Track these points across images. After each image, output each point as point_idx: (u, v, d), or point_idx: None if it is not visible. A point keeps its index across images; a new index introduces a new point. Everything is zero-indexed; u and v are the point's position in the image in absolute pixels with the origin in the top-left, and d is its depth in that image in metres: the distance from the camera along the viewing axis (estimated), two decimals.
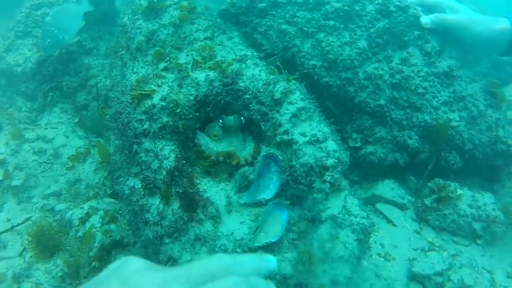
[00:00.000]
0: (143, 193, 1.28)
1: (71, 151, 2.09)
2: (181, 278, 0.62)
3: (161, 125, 1.34)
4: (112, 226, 1.55)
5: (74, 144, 2.15)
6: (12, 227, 1.77)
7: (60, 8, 2.11)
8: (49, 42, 1.96)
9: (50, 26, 1.96)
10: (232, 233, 1.24)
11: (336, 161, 1.33)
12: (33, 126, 2.28)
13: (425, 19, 1.83)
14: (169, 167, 1.28)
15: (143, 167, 1.32)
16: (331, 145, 1.36)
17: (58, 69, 2.37)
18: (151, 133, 1.34)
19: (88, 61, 2.44)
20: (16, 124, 2.24)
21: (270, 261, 0.73)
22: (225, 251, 1.20)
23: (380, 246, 1.67)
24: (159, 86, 1.42)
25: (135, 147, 1.35)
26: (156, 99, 1.37)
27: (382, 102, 1.79)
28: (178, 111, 1.35)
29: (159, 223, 1.24)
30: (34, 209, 1.87)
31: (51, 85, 2.36)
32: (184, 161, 1.30)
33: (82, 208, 1.65)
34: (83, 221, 1.59)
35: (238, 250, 1.21)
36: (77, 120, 2.25)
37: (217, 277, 0.63)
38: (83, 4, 2.27)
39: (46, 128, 2.25)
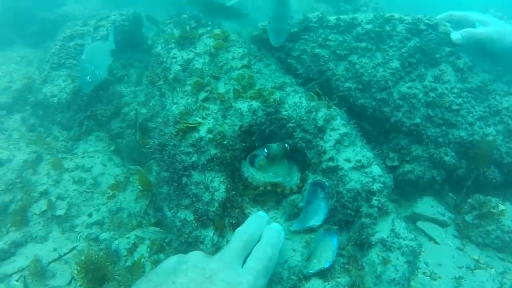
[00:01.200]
0: (196, 225, 1.31)
1: (110, 179, 2.14)
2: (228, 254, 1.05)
3: (210, 157, 1.37)
4: (161, 256, 1.58)
5: (112, 172, 2.20)
6: (60, 257, 1.81)
7: (91, 46, 2.19)
8: (89, 78, 2.04)
9: (86, 63, 2.04)
10: (286, 261, 1.26)
11: (382, 185, 1.35)
12: (70, 155, 2.34)
13: (456, 35, 1.84)
14: (220, 198, 1.31)
15: (194, 199, 1.35)
16: (376, 169, 1.38)
17: (92, 98, 2.44)
18: (200, 166, 1.37)
19: (120, 89, 2.50)
20: (54, 153, 2.31)
21: (263, 216, 1.21)
22: (281, 279, 1.22)
23: (424, 265, 1.66)
24: (204, 118, 1.45)
25: (184, 179, 1.38)
26: (202, 132, 1.40)
27: (417, 120, 1.80)
28: (225, 142, 1.38)
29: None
30: (78, 238, 1.92)
31: (85, 114, 2.43)
32: (234, 192, 1.33)
33: (128, 237, 1.69)
34: (131, 251, 1.63)
35: (293, 277, 1.23)
36: (113, 148, 2.30)
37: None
38: (110, 40, 2.36)
39: (83, 157, 2.30)
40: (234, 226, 1.26)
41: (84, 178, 2.16)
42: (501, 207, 1.73)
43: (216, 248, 1.26)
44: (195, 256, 1.03)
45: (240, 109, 1.46)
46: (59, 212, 2.01)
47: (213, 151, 1.37)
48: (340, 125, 1.44)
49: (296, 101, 1.48)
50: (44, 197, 2.05)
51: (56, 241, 1.92)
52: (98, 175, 2.18)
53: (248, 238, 1.10)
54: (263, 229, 1.16)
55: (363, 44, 1.82)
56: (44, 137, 2.43)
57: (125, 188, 2.05)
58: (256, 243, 1.11)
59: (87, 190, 2.11)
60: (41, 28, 3.40)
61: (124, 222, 1.89)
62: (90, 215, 1.99)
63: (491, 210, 1.73)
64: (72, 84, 2.42)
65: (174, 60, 1.86)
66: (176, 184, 1.41)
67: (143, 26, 2.89)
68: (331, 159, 1.39)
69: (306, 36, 1.86)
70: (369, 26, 1.83)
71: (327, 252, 1.30)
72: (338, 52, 1.82)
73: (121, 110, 2.41)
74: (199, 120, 1.44)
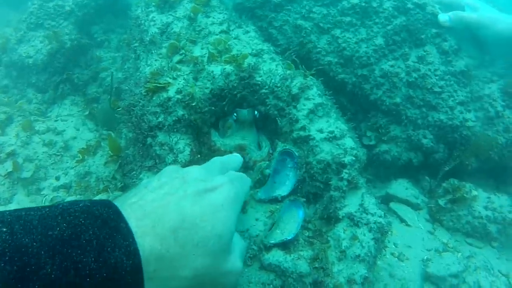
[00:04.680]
0: None
1: (81, 144, 2.08)
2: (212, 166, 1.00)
3: (176, 118, 1.32)
4: None
5: (84, 136, 2.14)
6: None
7: None
8: None
9: None
10: (247, 229, 1.22)
11: (353, 158, 1.31)
12: (43, 118, 2.26)
13: (443, 17, 1.80)
14: (184, 161, 1.26)
15: (157, 161, 1.30)
16: (349, 142, 1.34)
17: (70, 61, 2.36)
18: (166, 126, 1.32)
19: (100, 54, 2.43)
20: (26, 116, 2.23)
21: (238, 156, 1.14)
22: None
23: (393, 246, 1.64)
24: (174, 78, 1.40)
25: (149, 140, 1.33)
26: (171, 92, 1.35)
27: (397, 100, 1.76)
28: (193, 104, 1.33)
29: None
30: (43, 201, 1.86)
31: (62, 77, 2.35)
32: (199, 155, 1.28)
33: None
34: None
35: (254, 247, 1.19)
36: (87, 112, 2.23)
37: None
38: None
39: (56, 120, 2.24)
40: None
41: (55, 141, 2.09)
42: (474, 192, 1.72)
43: None
44: (168, 167, 0.98)
45: (212, 72, 1.41)
46: (26, 174, 1.94)
47: (180, 112, 1.32)
48: (315, 95, 1.39)
49: (272, 68, 1.43)
50: (11, 158, 1.98)
51: (20, 204, 1.86)
52: (69, 139, 2.12)
53: (225, 160, 1.05)
54: (237, 167, 1.09)
55: (348, 19, 1.77)
56: (17, 99, 2.35)
57: (95, 152, 1.99)
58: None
59: (57, 153, 2.05)
60: None
61: (91, 186, 1.84)
62: (57, 178, 1.93)
63: (464, 195, 1.71)
64: (49, 46, 2.33)
65: (152, 23, 1.79)
66: (141, 145, 1.36)
67: None
68: (303, 128, 1.34)
69: (290, 7, 1.80)
70: (355, 1, 1.77)
71: (291, 223, 1.26)
72: (321, 25, 1.76)
73: (98, 75, 2.34)
74: (169, 80, 1.38)
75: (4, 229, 0.60)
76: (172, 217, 0.76)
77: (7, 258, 0.56)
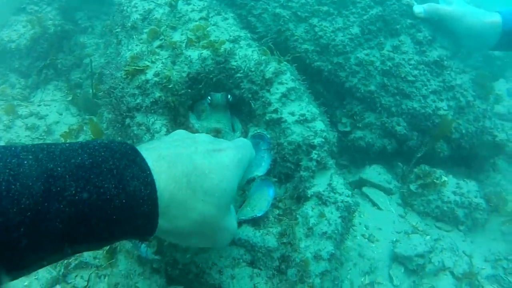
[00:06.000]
0: None
1: (64, 128, 2.11)
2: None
3: (154, 100, 1.36)
4: None
5: (67, 121, 2.17)
6: None
7: None
8: None
9: None
10: None
11: (323, 140, 1.36)
12: (26, 102, 2.29)
13: (418, 8, 1.85)
14: None
15: (135, 140, 1.34)
16: (319, 125, 1.39)
17: (53, 46, 2.38)
18: (144, 107, 1.36)
19: (83, 40, 2.45)
20: (9, 100, 2.25)
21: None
22: None
23: (364, 228, 1.71)
24: (153, 62, 1.43)
25: (127, 120, 1.37)
26: (149, 75, 1.39)
27: (372, 88, 1.82)
28: (170, 86, 1.37)
29: None
30: None
31: (45, 63, 2.37)
32: None
33: None
34: None
35: None
36: (70, 98, 2.26)
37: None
38: None
39: (39, 105, 2.26)
40: None
41: (38, 125, 2.12)
42: (444, 178, 1.78)
43: None
44: (179, 130, 1.05)
45: (190, 56, 1.45)
46: None
47: (157, 94, 1.36)
48: (288, 80, 1.44)
49: (247, 54, 1.48)
50: None
51: None
52: (52, 123, 2.15)
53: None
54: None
55: (325, 8, 1.81)
56: None
57: (78, 136, 2.02)
58: None
59: (40, 137, 2.08)
60: None
61: None
62: None
63: (435, 180, 1.78)
64: (32, 31, 2.35)
65: (134, 9, 1.82)
66: (119, 125, 1.40)
67: None
68: (275, 111, 1.39)
69: None
70: None
71: (262, 202, 1.31)
72: (299, 13, 1.81)
73: (82, 61, 2.36)
74: (148, 63, 1.42)
75: (30, 156, 0.63)
76: (185, 163, 0.81)
77: (34, 178, 0.60)
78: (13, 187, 0.57)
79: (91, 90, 2.10)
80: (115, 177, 0.68)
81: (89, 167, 0.66)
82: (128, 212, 0.68)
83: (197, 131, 1.42)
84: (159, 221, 0.75)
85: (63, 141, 2.00)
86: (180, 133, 1.01)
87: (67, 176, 0.63)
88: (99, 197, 0.64)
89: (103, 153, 0.70)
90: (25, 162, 0.61)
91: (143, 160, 0.75)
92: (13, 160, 0.61)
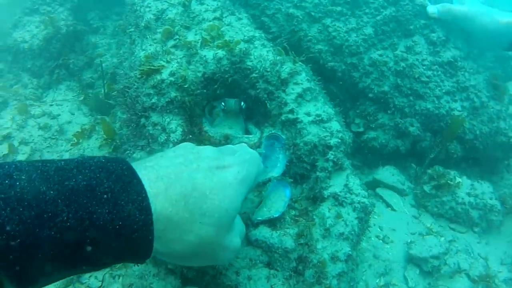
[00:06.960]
0: None
1: (76, 128, 2.11)
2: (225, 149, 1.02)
3: (169, 100, 1.36)
4: None
5: (79, 121, 2.17)
6: None
7: None
8: None
9: None
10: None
11: (339, 141, 1.36)
12: (38, 102, 2.29)
13: (432, 9, 1.84)
14: (176, 140, 1.30)
15: (150, 140, 1.34)
16: (335, 125, 1.39)
17: (65, 47, 2.38)
18: (159, 107, 1.36)
19: (95, 40, 2.46)
20: (22, 100, 2.26)
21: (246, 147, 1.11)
22: None
23: (379, 229, 1.70)
24: (168, 62, 1.43)
25: (142, 120, 1.37)
26: (165, 74, 1.39)
27: (386, 88, 1.81)
28: (186, 86, 1.37)
29: None
30: None
31: (57, 63, 2.37)
32: (190, 136, 1.33)
33: None
34: None
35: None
36: (82, 98, 2.26)
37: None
38: None
39: (51, 105, 2.27)
40: None
41: (50, 125, 2.13)
42: (458, 179, 1.77)
43: None
44: (184, 143, 1.03)
45: (205, 56, 1.44)
46: (21, 157, 1.98)
47: (173, 94, 1.36)
48: (304, 80, 1.43)
49: (262, 54, 1.47)
50: (7, 141, 2.01)
51: None
52: (64, 123, 2.15)
53: (237, 149, 1.05)
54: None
55: (339, 8, 1.81)
56: (12, 84, 2.37)
57: (90, 136, 2.02)
58: None
59: (52, 137, 2.08)
60: None
61: None
62: None
63: (448, 181, 1.77)
64: (45, 31, 2.36)
65: (148, 9, 1.82)
66: (134, 125, 1.40)
67: None
68: (291, 111, 1.39)
69: None
70: None
71: (278, 202, 1.31)
72: (312, 14, 1.80)
73: (93, 61, 2.37)
74: (163, 63, 1.42)
75: (23, 177, 0.61)
76: (184, 184, 0.79)
77: (26, 203, 0.58)
78: (3, 212, 0.56)
79: (102, 90, 2.10)
80: (109, 202, 0.66)
81: (83, 190, 0.64)
82: (122, 237, 0.66)
83: (209, 137, 1.41)
84: (155, 245, 0.73)
85: (75, 140, 2.01)
86: (186, 146, 0.98)
87: (59, 201, 0.61)
88: (92, 223, 0.63)
89: (98, 175, 0.68)
90: (17, 183, 0.60)
91: (139, 182, 0.72)
92: (6, 181, 0.60)
